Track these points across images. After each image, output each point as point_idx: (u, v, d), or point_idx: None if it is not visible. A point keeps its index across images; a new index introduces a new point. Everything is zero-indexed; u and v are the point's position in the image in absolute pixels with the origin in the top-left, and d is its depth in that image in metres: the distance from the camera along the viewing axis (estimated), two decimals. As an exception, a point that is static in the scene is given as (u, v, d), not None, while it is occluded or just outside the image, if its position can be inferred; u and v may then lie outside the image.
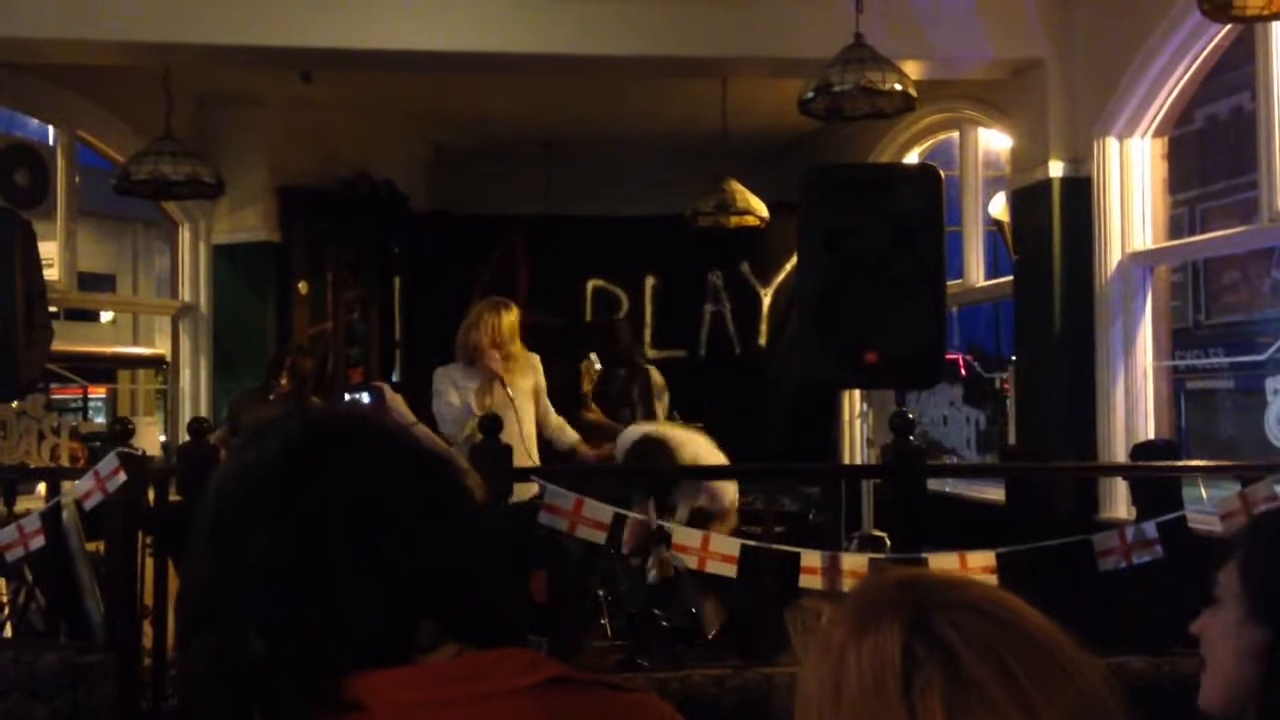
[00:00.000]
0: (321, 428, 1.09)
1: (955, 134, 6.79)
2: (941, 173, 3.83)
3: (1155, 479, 4.02)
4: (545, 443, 5.28)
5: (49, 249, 5.95)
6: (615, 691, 1.04)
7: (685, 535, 3.43)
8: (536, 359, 5.24)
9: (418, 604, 1.00)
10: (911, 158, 7.01)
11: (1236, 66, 5.52)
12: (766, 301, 7.94)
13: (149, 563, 3.90)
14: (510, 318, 5.11)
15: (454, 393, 5.04)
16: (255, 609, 0.97)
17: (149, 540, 3.92)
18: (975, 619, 0.81)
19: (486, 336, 5.00)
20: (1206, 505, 3.97)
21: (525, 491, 3.52)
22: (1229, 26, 4.53)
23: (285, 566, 0.98)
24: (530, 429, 5.10)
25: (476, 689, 0.97)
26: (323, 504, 1.00)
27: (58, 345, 4.94)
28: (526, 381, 5.12)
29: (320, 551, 0.98)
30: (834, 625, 0.84)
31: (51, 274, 5.87)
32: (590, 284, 8.03)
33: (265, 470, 1.04)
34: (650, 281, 8.01)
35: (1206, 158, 16.97)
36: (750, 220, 6.73)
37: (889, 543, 3.59)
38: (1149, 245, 5.29)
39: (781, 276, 7.85)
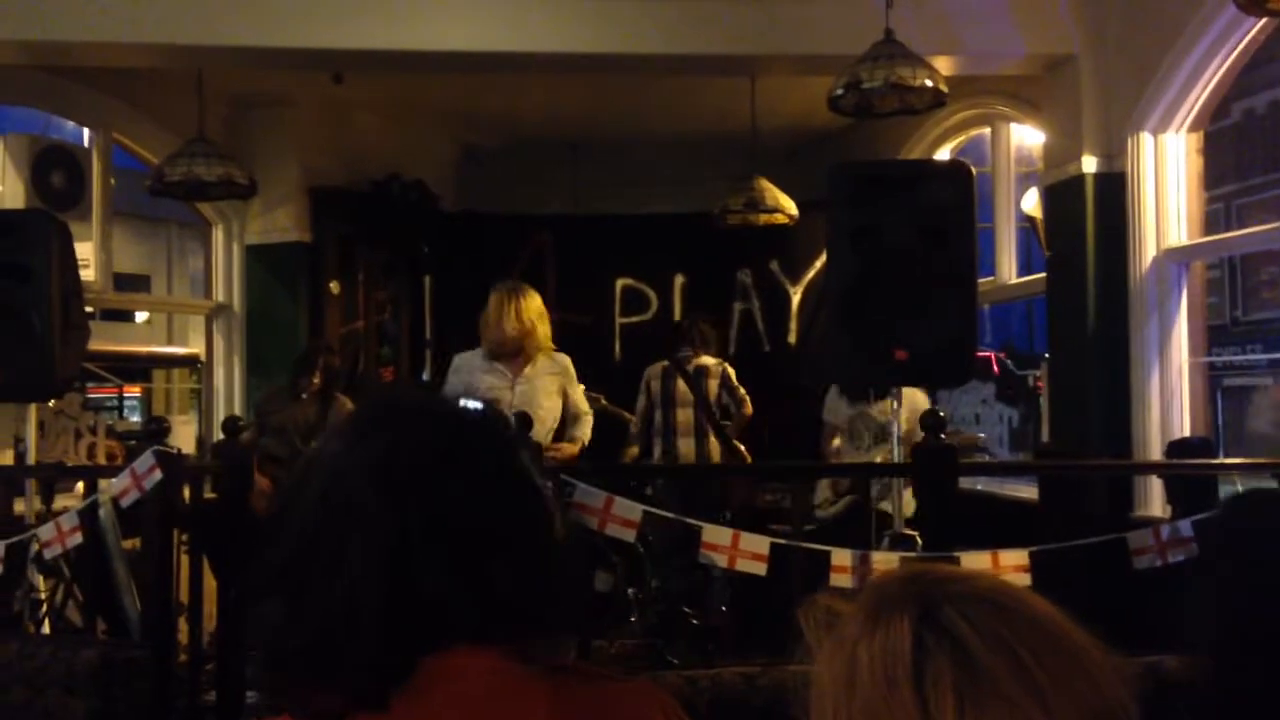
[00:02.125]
0: (453, 436, 1.10)
1: (987, 130, 6.74)
2: (973, 169, 3.80)
3: (1191, 477, 3.97)
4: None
5: (85, 250, 6.02)
6: (614, 681, 1.10)
7: (715, 534, 3.42)
8: (566, 360, 5.07)
9: (489, 605, 1.03)
10: (943, 154, 6.97)
11: (1273, 60, 5.45)
12: (796, 299, 7.92)
13: (184, 560, 3.94)
14: (521, 303, 4.91)
15: (458, 375, 5.02)
16: (334, 588, 1.01)
17: (184, 538, 3.96)
18: (985, 610, 0.81)
19: (494, 320, 4.89)
20: (1243, 503, 3.91)
21: None
22: (1265, 19, 4.47)
23: (375, 554, 1.01)
24: (548, 428, 5.03)
25: (483, 664, 1.03)
26: (426, 503, 1.03)
27: (94, 345, 4.99)
28: (551, 382, 4.96)
29: (409, 548, 1.02)
30: (846, 621, 0.85)
31: (88, 275, 5.95)
32: (619, 283, 8.04)
33: (378, 458, 1.06)
34: (679, 280, 8.01)
35: (1243, 152, 16.77)
36: (780, 218, 6.72)
37: (920, 542, 3.57)
38: (1184, 241, 5.23)
39: (811, 274, 7.83)
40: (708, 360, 6.24)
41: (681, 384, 6.13)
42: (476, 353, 5.08)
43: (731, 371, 6.29)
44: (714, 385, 6.19)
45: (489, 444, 1.11)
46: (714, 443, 6.10)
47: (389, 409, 1.13)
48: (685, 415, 6.14)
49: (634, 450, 6.36)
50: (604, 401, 6.40)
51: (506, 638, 1.04)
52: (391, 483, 1.04)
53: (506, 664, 1.03)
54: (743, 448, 6.08)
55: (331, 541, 1.03)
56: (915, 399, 5.25)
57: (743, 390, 6.23)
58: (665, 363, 6.26)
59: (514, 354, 4.95)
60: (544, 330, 4.97)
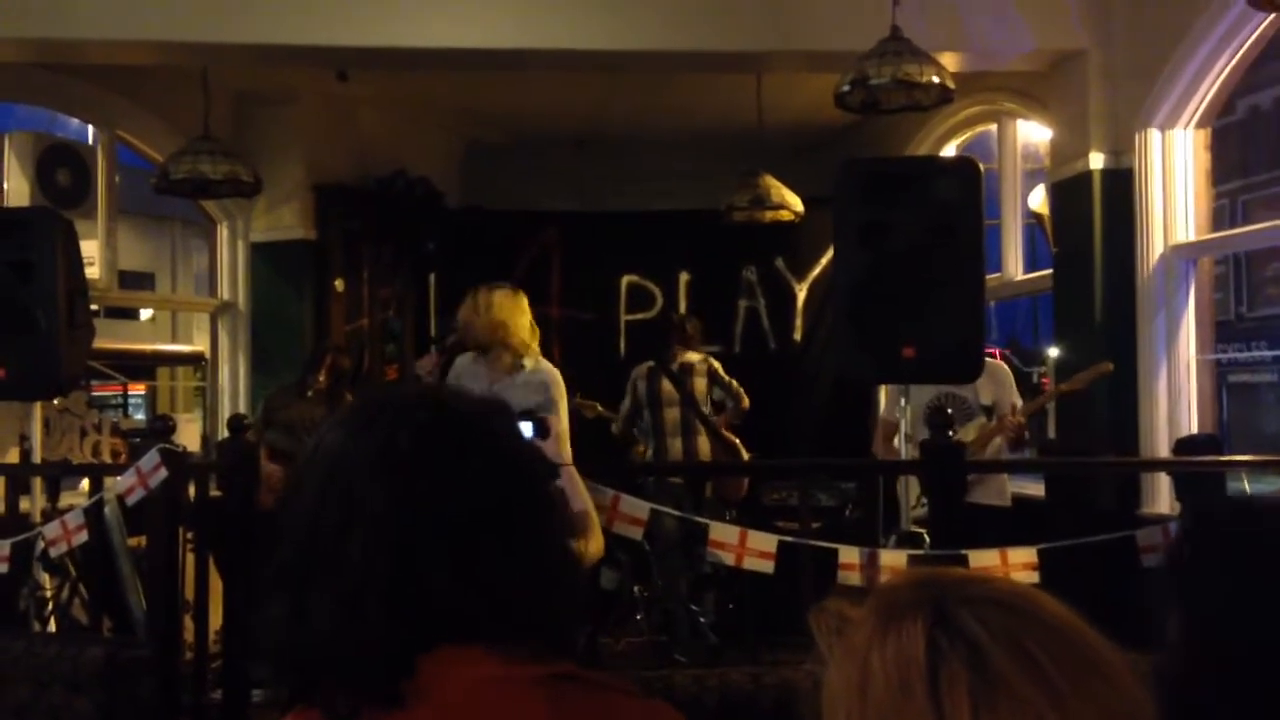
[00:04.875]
0: (451, 425, 1.10)
1: (994, 126, 6.72)
2: (980, 165, 3.79)
3: (1198, 473, 3.96)
4: None
5: (90, 248, 6.01)
6: (625, 695, 1.07)
7: (722, 531, 3.42)
8: (550, 376, 4.24)
9: (489, 601, 1.02)
10: (949, 151, 6.95)
11: (1279, 56, 5.43)
12: (801, 297, 7.89)
13: (190, 558, 3.94)
14: (493, 296, 4.32)
15: (455, 379, 4.64)
16: (344, 581, 1.00)
17: (190, 535, 3.96)
18: (999, 613, 0.80)
19: (462, 312, 4.40)
20: (1251, 501, 3.90)
21: None
22: (1272, 15, 4.45)
23: (385, 548, 1.01)
24: None
25: (489, 672, 1.01)
26: (435, 499, 1.03)
27: (99, 343, 4.99)
28: (526, 396, 4.04)
29: (419, 543, 1.01)
30: (857, 627, 0.83)
31: (92, 273, 5.94)
32: (625, 280, 8.02)
33: (389, 454, 1.05)
34: (684, 277, 7.99)
35: (1249, 149, 16.74)
36: (785, 215, 6.70)
37: (927, 539, 3.56)
38: (1191, 238, 5.22)
39: (816, 271, 7.80)
40: (692, 357, 6.21)
41: (666, 383, 6.10)
42: (468, 355, 4.60)
43: (718, 366, 6.25)
44: (701, 383, 6.14)
45: (489, 435, 1.10)
46: (703, 440, 6.07)
47: (387, 401, 1.12)
48: (672, 414, 6.10)
49: (641, 449, 6.33)
50: (600, 409, 6.37)
51: (509, 634, 1.02)
52: (392, 474, 1.03)
53: (507, 670, 1.01)
54: (736, 440, 6.05)
55: (333, 536, 1.02)
56: (997, 371, 5.10)
57: (736, 384, 6.19)
58: (650, 363, 6.23)
59: (491, 350, 4.35)
60: (519, 324, 4.32)
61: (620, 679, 1.10)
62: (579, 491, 2.72)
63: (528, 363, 4.27)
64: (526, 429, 2.70)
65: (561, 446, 2.72)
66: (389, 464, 1.03)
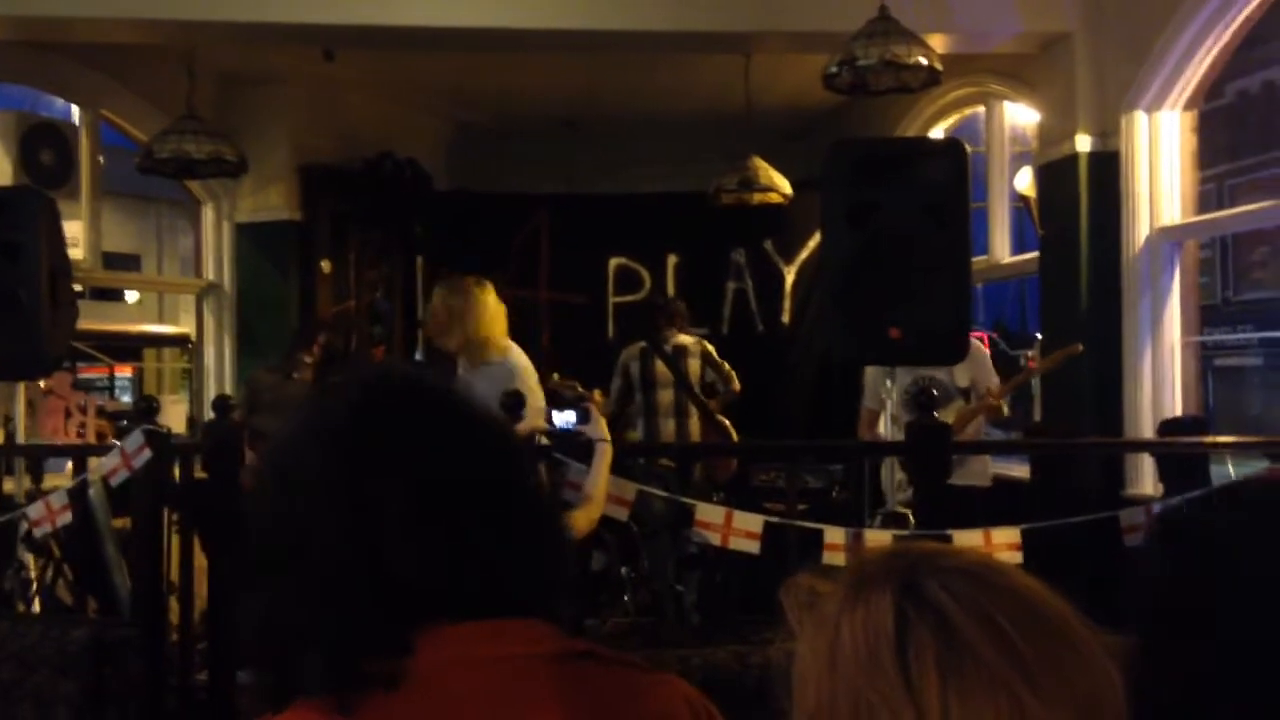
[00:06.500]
0: (386, 394, 1.08)
1: (981, 109, 6.72)
2: (967, 147, 3.78)
3: (1182, 455, 3.98)
4: None
5: (74, 228, 5.98)
6: (638, 670, 1.06)
7: (709, 512, 3.42)
8: (515, 363, 4.23)
9: (470, 573, 1.00)
10: (937, 133, 6.95)
11: (1267, 40, 5.44)
12: (790, 279, 7.90)
13: (175, 539, 3.93)
14: (440, 297, 4.30)
15: None
16: (314, 566, 0.99)
17: (174, 516, 3.95)
18: (968, 583, 0.80)
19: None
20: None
21: None
22: (1260, -3, 4.46)
23: (346, 529, 0.99)
24: None
25: (501, 651, 0.99)
26: (386, 471, 1.01)
27: (85, 324, 4.97)
28: (488, 390, 3.83)
29: (380, 518, 0.99)
30: (828, 599, 0.83)
31: (77, 253, 5.91)
32: (613, 262, 8.02)
33: (330, 432, 1.04)
34: (673, 259, 7.99)
35: (1236, 133, 16.74)
36: (773, 197, 6.70)
37: (912, 520, 3.57)
38: (1177, 220, 5.23)
39: (805, 254, 7.81)
40: (685, 339, 6.21)
41: (660, 364, 6.09)
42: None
43: (711, 348, 6.25)
44: (695, 364, 6.14)
45: (450, 411, 1.09)
46: (695, 422, 6.07)
47: (341, 384, 1.11)
48: (666, 396, 6.10)
49: (633, 434, 6.32)
50: (579, 389, 6.36)
51: (501, 611, 1.00)
52: (349, 454, 1.02)
53: (515, 648, 0.99)
54: (727, 422, 6.05)
55: (297, 522, 1.01)
56: (973, 353, 5.07)
57: (727, 366, 6.20)
58: (642, 344, 6.22)
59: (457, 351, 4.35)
60: (470, 325, 4.23)
61: (632, 655, 1.09)
62: (600, 469, 2.73)
63: (498, 354, 4.28)
64: (570, 415, 2.80)
65: (598, 424, 2.76)
66: (346, 446, 1.02)
